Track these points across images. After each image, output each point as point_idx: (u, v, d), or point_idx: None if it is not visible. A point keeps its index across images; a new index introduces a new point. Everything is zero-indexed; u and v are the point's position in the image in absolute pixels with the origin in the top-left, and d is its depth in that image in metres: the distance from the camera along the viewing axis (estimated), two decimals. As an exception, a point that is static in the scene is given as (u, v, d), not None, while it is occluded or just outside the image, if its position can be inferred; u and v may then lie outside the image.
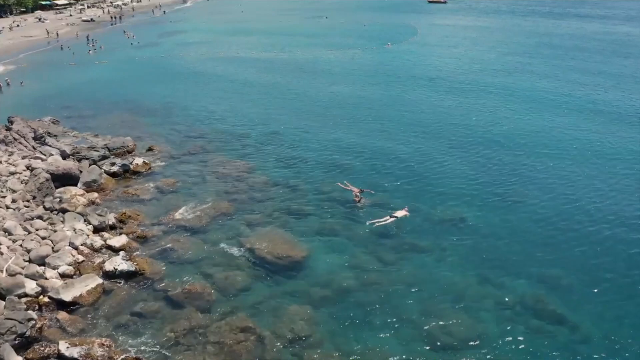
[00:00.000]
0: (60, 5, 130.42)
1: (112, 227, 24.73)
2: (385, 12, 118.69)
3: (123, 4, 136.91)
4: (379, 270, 21.51)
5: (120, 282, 20.84)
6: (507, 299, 19.86)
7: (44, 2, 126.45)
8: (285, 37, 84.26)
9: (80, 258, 22.11)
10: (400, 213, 24.67)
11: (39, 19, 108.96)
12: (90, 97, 49.51)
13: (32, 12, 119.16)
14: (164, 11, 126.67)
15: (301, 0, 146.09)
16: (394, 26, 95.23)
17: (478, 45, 74.62)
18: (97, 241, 23.16)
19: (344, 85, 52.58)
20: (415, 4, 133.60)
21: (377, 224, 24.23)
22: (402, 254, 22.60)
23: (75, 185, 28.09)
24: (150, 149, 34.39)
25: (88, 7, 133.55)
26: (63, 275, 21.03)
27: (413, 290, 20.44)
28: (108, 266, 21.25)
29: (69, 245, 22.65)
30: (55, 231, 23.45)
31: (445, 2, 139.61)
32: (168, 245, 23.15)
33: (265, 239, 23.14)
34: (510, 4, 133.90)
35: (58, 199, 26.05)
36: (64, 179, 28.17)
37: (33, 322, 18.30)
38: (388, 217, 24.50)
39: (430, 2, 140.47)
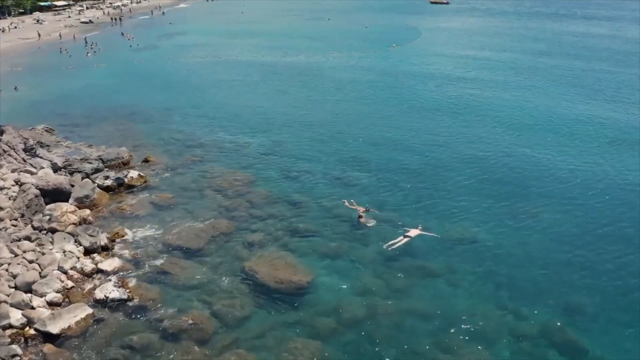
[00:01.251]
0: (59, 6, 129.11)
1: (104, 248, 23.30)
2: (386, 13, 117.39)
3: (122, 5, 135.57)
4: (389, 297, 20.11)
5: (111, 311, 19.41)
6: (525, 330, 18.55)
7: (42, 4, 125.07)
8: (286, 39, 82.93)
9: (70, 284, 20.71)
10: (414, 232, 23.25)
11: (37, 21, 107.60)
12: (86, 103, 48.07)
13: (31, 13, 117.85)
14: (163, 12, 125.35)
15: (300, 0, 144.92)
16: (397, 28, 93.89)
17: (486, 49, 72.64)
18: (88, 265, 21.73)
19: (349, 90, 50.99)
20: (416, 4, 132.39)
21: (393, 247, 22.76)
22: (412, 279, 21.19)
23: (67, 200, 26.67)
24: (146, 160, 32.96)
25: (87, 8, 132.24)
26: (51, 304, 19.64)
27: (425, 320, 19.09)
28: (98, 294, 19.85)
29: (58, 270, 21.26)
30: (43, 254, 22.01)
31: (447, 3, 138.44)
32: (163, 269, 21.73)
33: (267, 262, 21.73)
34: (514, 5, 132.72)
35: (48, 217, 24.62)
36: (55, 195, 26.74)
37: (17, 358, 17.03)
38: (402, 237, 23.10)
39: (432, 2, 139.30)
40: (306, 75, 58.10)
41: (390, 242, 22.98)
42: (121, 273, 21.49)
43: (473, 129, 38.92)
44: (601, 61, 63.60)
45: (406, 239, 22.95)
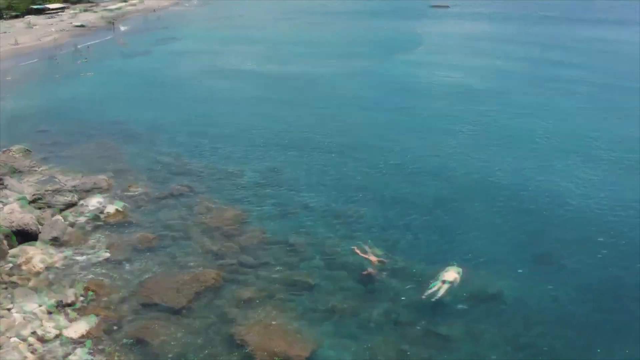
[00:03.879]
0: (52, 10, 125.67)
1: (72, 305, 20.22)
2: (388, 18, 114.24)
3: (117, 9, 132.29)
4: (403, 374, 17.10)
5: (74, 395, 16.37)
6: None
7: (36, 7, 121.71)
8: (285, 46, 79.59)
9: (30, 357, 17.61)
10: (451, 275, 20.43)
11: (29, 24, 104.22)
12: (70, 118, 44.84)
13: (23, 17, 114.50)
14: (159, 16, 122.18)
15: (299, 2, 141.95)
16: (399, 34, 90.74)
17: (498, 58, 68.11)
18: (51, 331, 18.64)
19: (351, 108, 46.51)
20: (417, 8, 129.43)
21: (435, 297, 19.92)
22: (430, 349, 18.13)
23: (34, 243, 23.59)
24: (127, 189, 29.83)
25: (80, 11, 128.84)
26: (3, 383, 16.60)
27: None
28: (60, 373, 16.78)
29: (16, 337, 18.19)
30: (1, 317, 18.94)
31: (448, 7, 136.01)
32: (138, 336, 18.63)
33: (260, 329, 18.61)
34: (518, 7, 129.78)
35: (9, 266, 21.58)
36: (20, 236, 23.70)
37: None
38: (441, 283, 20.29)
39: (433, 6, 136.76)
40: (306, 88, 54.52)
41: (430, 292, 20.10)
42: (90, 340, 18.38)
43: (493, 155, 34.69)
44: (624, 68, 59.83)
45: (447, 286, 20.16)
